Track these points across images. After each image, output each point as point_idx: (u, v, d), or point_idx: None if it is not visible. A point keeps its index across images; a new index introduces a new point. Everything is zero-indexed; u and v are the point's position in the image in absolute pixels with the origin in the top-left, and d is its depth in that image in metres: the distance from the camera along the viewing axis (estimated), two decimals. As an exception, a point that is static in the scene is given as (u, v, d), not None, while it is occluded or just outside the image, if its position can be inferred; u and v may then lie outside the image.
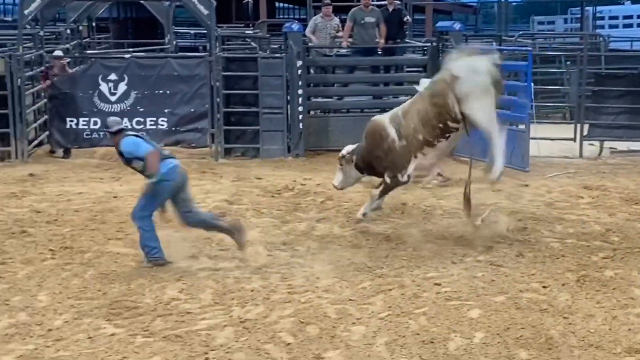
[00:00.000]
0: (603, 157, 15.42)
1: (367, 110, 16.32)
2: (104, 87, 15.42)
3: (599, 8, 32.96)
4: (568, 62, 19.47)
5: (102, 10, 23.53)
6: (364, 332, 7.08)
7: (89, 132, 15.50)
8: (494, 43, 19.41)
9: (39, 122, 15.97)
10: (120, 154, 9.00)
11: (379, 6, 16.79)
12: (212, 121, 15.23)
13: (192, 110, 15.56)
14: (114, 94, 15.44)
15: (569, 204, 11.70)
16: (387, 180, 10.14)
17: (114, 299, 7.86)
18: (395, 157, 10.00)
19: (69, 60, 16.31)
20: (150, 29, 28.53)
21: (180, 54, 19.15)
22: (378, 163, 10.19)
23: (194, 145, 15.64)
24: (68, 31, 18.95)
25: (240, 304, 7.73)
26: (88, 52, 18.94)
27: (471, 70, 9.71)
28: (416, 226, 10.40)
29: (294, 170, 14.09)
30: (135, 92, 15.50)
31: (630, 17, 36.07)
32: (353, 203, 11.29)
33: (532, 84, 13.57)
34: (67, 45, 18.05)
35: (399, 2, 17.41)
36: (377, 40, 16.31)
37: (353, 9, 16.42)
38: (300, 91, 15.26)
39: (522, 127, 13.94)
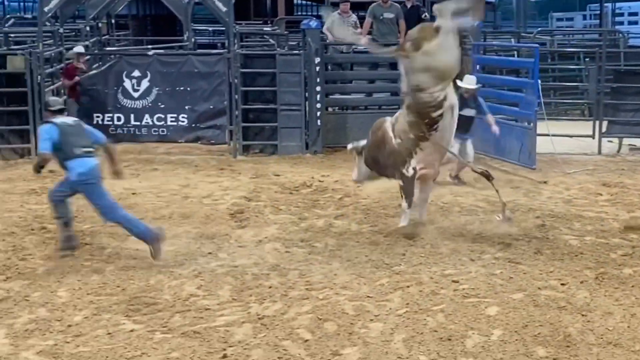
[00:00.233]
0: (622, 154, 15.36)
1: (385, 107, 16.31)
2: (127, 83, 15.64)
3: (618, 4, 32.82)
4: (587, 59, 19.41)
5: (121, 8, 23.57)
6: (381, 328, 7.08)
7: (113, 128, 15.76)
8: (512, 40, 19.38)
9: (58, 118, 16.05)
10: None
11: (397, 2, 16.76)
12: (231, 118, 15.28)
13: (211, 107, 15.71)
14: (137, 91, 15.64)
15: (588, 201, 11.67)
16: (399, 181, 10.05)
17: (133, 295, 7.90)
18: (395, 155, 9.97)
19: (88, 57, 16.44)
20: (169, 26, 28.62)
21: (200, 50, 19.24)
22: (382, 161, 10.15)
23: (213, 142, 15.78)
24: (87, 28, 19.00)
25: (259, 301, 7.76)
26: (107, 49, 19.01)
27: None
28: (434, 223, 10.39)
29: (312, 167, 14.11)
30: (157, 88, 15.69)
31: (650, 13, 35.88)
32: (371, 200, 11.31)
33: (539, 81, 13.50)
34: (87, 43, 18.14)
35: (417, -1, 17.38)
36: (397, 37, 16.27)
37: (372, 5, 16.39)
38: (318, 88, 15.28)
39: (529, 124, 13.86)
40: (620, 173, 13.48)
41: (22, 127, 14.78)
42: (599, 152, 15.15)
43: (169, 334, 7.00)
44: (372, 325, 7.15)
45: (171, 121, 15.74)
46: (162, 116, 15.73)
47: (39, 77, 14.71)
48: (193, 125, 15.82)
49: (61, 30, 16.83)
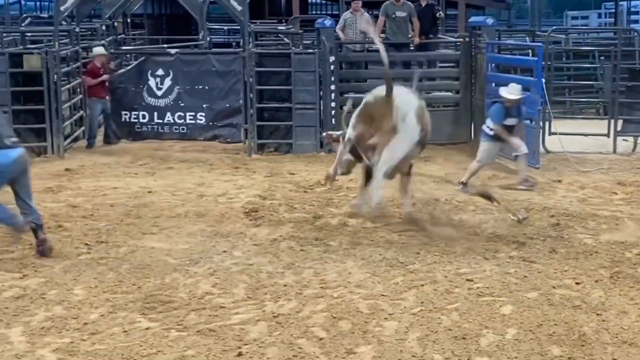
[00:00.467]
0: (637, 152, 15.32)
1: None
2: (152, 82, 15.87)
3: (633, 2, 32.73)
4: (602, 57, 19.35)
5: (137, 7, 23.70)
6: (396, 327, 7.09)
7: (139, 126, 16.00)
8: (527, 38, 19.34)
9: (74, 117, 16.19)
10: None
11: (412, 1, 16.75)
12: (246, 117, 15.33)
13: (227, 105, 15.83)
14: (160, 89, 15.84)
15: (603, 200, 11.65)
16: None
17: (148, 293, 7.93)
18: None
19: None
20: (184, 25, 28.77)
21: (218, 49, 19.36)
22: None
23: (229, 140, 15.86)
24: (103, 27, 19.12)
25: (273, 299, 7.78)
26: (124, 47, 19.14)
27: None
28: (448, 222, 10.40)
29: (327, 165, 14.01)
30: (178, 87, 15.88)
31: (666, 11, 35.78)
32: (385, 199, 11.30)
33: (543, 80, 13.47)
34: (103, 42, 18.24)
35: (432, -3, 17.37)
36: (410, 35, 16.29)
37: (385, 3, 16.39)
38: (332, 87, 15.30)
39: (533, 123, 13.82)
40: (635, 172, 13.45)
41: (39, 125, 14.86)
42: (614, 151, 15.11)
43: (185, 332, 7.02)
44: (387, 324, 7.16)
45: (190, 119, 15.93)
46: (183, 114, 15.97)
47: (55, 76, 14.79)
48: (211, 123, 15.99)
49: (77, 30, 16.94)
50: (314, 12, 38.28)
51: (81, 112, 16.72)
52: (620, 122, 15.56)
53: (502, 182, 12.69)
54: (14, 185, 9.03)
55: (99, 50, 16.39)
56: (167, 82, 15.90)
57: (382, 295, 7.85)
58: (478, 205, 11.24)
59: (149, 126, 16.05)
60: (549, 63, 16.05)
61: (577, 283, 8.16)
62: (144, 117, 16.05)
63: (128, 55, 17.12)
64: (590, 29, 30.76)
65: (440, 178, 12.75)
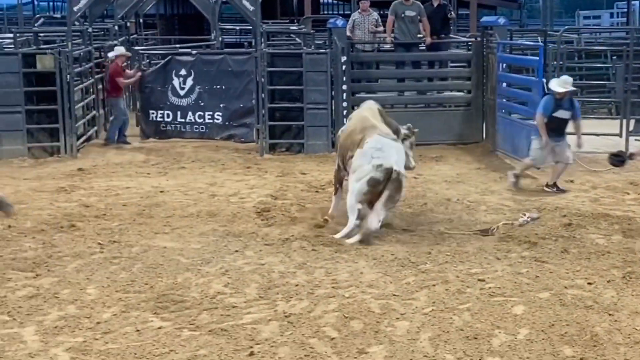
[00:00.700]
0: (650, 152, 15.25)
1: (411, 105, 16.35)
2: (175, 81, 16.00)
3: (645, 2, 32.57)
4: (614, 57, 19.29)
5: (149, 7, 23.78)
6: (407, 327, 7.10)
7: (164, 125, 16.17)
8: (539, 38, 19.30)
9: (87, 117, 16.27)
10: None
11: (424, 1, 16.74)
12: (258, 116, 15.36)
13: (241, 105, 15.91)
14: (183, 89, 16.00)
15: (615, 200, 11.62)
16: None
17: (160, 292, 7.96)
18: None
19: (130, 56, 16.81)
20: (196, 25, 28.82)
21: (233, 49, 19.42)
22: None
23: (243, 140, 15.92)
24: (116, 27, 19.19)
25: (285, 299, 7.79)
26: (135, 48, 19.20)
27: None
28: (460, 221, 10.41)
29: (338, 165, 14.12)
30: (199, 87, 15.97)
31: (678, 11, 35.59)
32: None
33: (544, 80, 13.44)
34: (116, 42, 18.32)
35: (444, -2, 17.36)
36: (420, 35, 16.29)
37: (394, 3, 16.37)
38: (344, 87, 15.32)
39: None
40: (647, 172, 13.41)
41: (52, 125, 14.93)
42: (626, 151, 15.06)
43: (197, 332, 7.04)
44: (398, 324, 7.17)
45: (209, 119, 16.07)
46: (202, 114, 16.11)
47: (68, 76, 14.85)
48: (227, 123, 16.08)
49: (90, 30, 17.03)
50: (325, 12, 38.26)
51: (94, 112, 16.80)
52: (632, 122, 15.51)
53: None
54: None
55: (120, 50, 16.50)
56: (189, 82, 16.04)
57: (394, 295, 7.85)
58: (489, 205, 11.24)
59: (173, 125, 16.22)
60: (560, 63, 16.02)
61: (589, 283, 8.15)
62: (168, 116, 16.22)
63: (139, 56, 17.13)
64: (602, 29, 30.62)
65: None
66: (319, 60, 15.32)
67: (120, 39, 18.72)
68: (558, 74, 15.38)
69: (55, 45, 16.78)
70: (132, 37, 20.26)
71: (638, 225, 10.19)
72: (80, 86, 15.83)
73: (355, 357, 6.57)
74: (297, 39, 19.87)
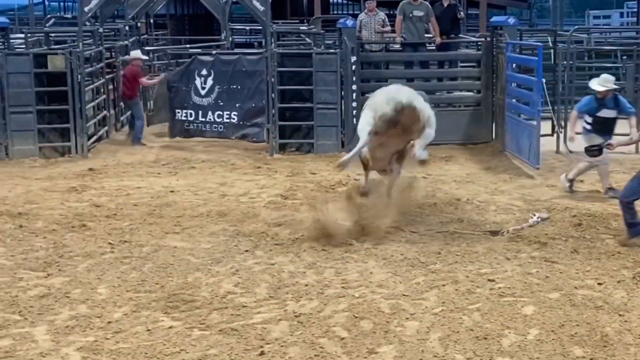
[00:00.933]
0: (661, 152, 15.22)
1: (420, 105, 16.31)
2: (198, 81, 16.11)
3: (656, 1, 32.45)
4: (624, 57, 19.23)
5: (160, 7, 23.83)
6: (417, 327, 7.11)
7: (187, 124, 16.29)
8: (549, 38, 19.27)
9: (98, 117, 16.32)
10: None
11: (434, 1, 16.73)
12: (268, 116, 15.38)
13: (254, 105, 15.96)
14: (204, 88, 16.11)
15: (625, 201, 11.57)
16: None
17: (171, 292, 7.98)
18: None
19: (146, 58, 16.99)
20: (207, 25, 28.87)
21: (246, 50, 19.48)
22: None
23: (255, 139, 15.95)
24: (127, 28, 19.24)
25: (295, 298, 7.81)
26: (146, 48, 19.28)
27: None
28: (469, 222, 10.40)
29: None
30: (218, 86, 16.05)
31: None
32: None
33: (544, 80, 13.40)
34: (127, 42, 18.38)
35: (454, -2, 17.35)
36: (430, 35, 16.28)
37: (402, 2, 16.37)
38: (354, 87, 15.32)
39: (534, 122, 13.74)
40: (658, 172, 13.35)
41: (63, 125, 14.97)
42: (637, 151, 15.03)
43: (207, 331, 7.07)
44: (408, 324, 7.18)
45: (226, 118, 16.16)
46: (221, 113, 16.20)
47: (79, 76, 14.89)
48: (241, 122, 16.13)
49: (101, 30, 17.08)
50: (335, 12, 38.27)
51: (104, 112, 16.86)
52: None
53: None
54: None
55: (137, 53, 16.77)
56: (209, 81, 16.16)
57: (404, 295, 7.86)
58: (499, 205, 11.24)
59: (195, 124, 16.35)
60: (570, 62, 15.99)
61: (599, 283, 8.14)
62: (191, 115, 16.36)
63: (151, 56, 17.23)
64: (612, 29, 30.57)
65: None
66: (329, 60, 15.34)
67: (130, 39, 18.77)
68: (568, 74, 15.40)
69: (66, 45, 16.85)
70: (142, 37, 20.30)
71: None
72: (91, 86, 15.89)
73: (365, 357, 6.58)
74: (307, 39, 19.89)
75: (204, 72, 16.17)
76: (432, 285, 8.12)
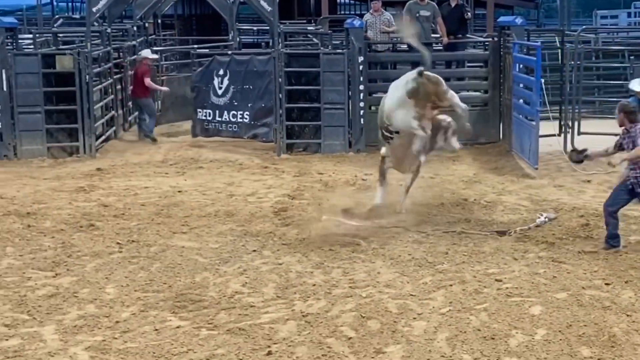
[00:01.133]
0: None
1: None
2: (215, 81, 16.20)
3: (663, 1, 32.43)
4: (632, 57, 19.18)
5: (167, 7, 23.85)
6: (424, 327, 7.11)
7: (207, 123, 16.38)
8: (557, 38, 19.24)
9: (106, 117, 16.35)
10: None
11: (441, 1, 16.71)
12: (275, 116, 15.40)
13: (263, 105, 15.99)
14: (220, 88, 16.19)
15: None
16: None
17: (179, 292, 8.01)
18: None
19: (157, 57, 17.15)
20: (214, 25, 28.86)
21: (258, 50, 19.53)
22: None
23: (264, 139, 15.97)
24: (135, 28, 19.28)
25: (302, 298, 7.83)
26: (154, 48, 19.31)
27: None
28: (477, 222, 10.40)
29: (355, 165, 14.15)
30: (233, 86, 16.09)
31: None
32: (413, 199, 11.31)
33: (542, 80, 13.38)
34: (134, 42, 18.41)
35: (461, -2, 17.31)
36: (436, 35, 16.26)
37: (409, 2, 16.34)
38: (361, 87, 15.32)
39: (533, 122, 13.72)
40: (666, 172, 13.31)
41: (71, 125, 15.01)
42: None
43: (215, 331, 7.09)
44: (416, 324, 7.19)
45: (240, 118, 16.21)
46: (235, 113, 16.26)
47: (87, 76, 14.93)
48: (252, 122, 16.17)
49: (109, 30, 17.12)
50: (343, 12, 38.20)
51: (112, 112, 16.89)
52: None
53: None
54: None
55: (147, 52, 16.98)
56: (225, 81, 16.24)
57: (411, 295, 7.87)
58: (506, 205, 11.23)
59: (213, 124, 16.49)
60: (578, 63, 15.96)
61: (606, 284, 8.14)
62: (209, 115, 16.48)
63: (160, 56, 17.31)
64: (619, 29, 30.44)
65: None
66: (336, 60, 15.34)
67: (138, 40, 18.81)
68: (575, 74, 15.37)
69: (75, 45, 16.88)
70: (150, 37, 20.33)
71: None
72: (99, 86, 15.93)
73: (373, 357, 6.60)
74: (314, 39, 19.89)
75: (221, 72, 16.28)
76: (440, 285, 8.13)
